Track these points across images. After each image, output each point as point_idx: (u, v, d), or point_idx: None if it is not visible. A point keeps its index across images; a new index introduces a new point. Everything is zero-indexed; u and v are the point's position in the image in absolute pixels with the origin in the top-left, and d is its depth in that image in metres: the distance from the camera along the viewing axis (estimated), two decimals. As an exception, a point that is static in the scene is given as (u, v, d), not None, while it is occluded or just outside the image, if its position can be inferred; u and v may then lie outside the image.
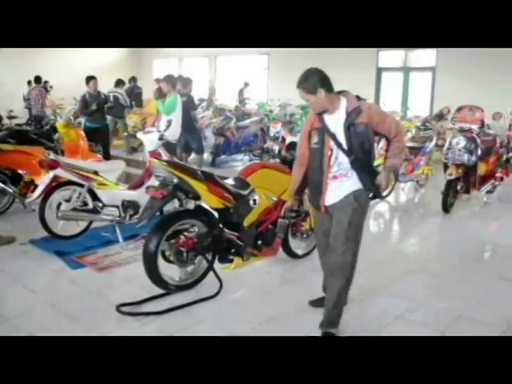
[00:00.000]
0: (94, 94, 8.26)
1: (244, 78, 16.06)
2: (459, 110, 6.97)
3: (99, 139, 8.28)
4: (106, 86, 9.83)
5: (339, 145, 3.09)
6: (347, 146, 3.08)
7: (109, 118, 9.04)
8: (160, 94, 6.91)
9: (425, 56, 13.43)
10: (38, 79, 11.45)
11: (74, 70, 15.13)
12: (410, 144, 7.46)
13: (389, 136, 3.20)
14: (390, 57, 14.12)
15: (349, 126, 3.06)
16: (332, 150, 3.12)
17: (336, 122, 3.11)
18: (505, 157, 7.70)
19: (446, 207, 6.39)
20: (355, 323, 3.43)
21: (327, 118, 3.15)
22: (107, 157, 7.89)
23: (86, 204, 4.93)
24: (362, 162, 3.12)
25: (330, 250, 3.23)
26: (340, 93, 3.17)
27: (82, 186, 4.87)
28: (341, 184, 3.16)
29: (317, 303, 3.61)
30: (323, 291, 3.53)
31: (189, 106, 7.25)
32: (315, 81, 3.04)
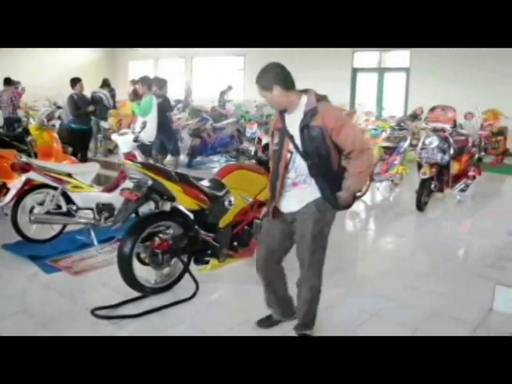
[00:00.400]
0: (80, 95, 8.17)
1: (222, 80, 16.09)
2: (432, 109, 7.09)
3: (81, 141, 8.18)
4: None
5: (297, 148, 2.87)
6: (302, 149, 2.85)
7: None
8: (135, 96, 6.87)
9: (399, 57, 13.62)
10: (7, 81, 10.97)
11: (46, 71, 14.91)
12: (384, 144, 7.59)
13: (344, 149, 2.84)
14: (365, 58, 14.28)
15: (303, 128, 2.82)
16: (291, 153, 2.90)
17: (294, 122, 2.88)
18: (477, 156, 7.85)
19: (420, 206, 6.48)
20: (331, 323, 3.45)
21: (287, 117, 2.94)
22: (85, 159, 7.79)
23: (59, 207, 4.86)
24: (320, 168, 2.85)
25: (299, 262, 3.07)
26: (305, 91, 2.93)
27: (55, 188, 4.80)
28: (302, 191, 2.95)
29: (265, 323, 3.42)
30: (268, 307, 3.39)
31: (165, 108, 7.21)
32: (270, 77, 2.83)
